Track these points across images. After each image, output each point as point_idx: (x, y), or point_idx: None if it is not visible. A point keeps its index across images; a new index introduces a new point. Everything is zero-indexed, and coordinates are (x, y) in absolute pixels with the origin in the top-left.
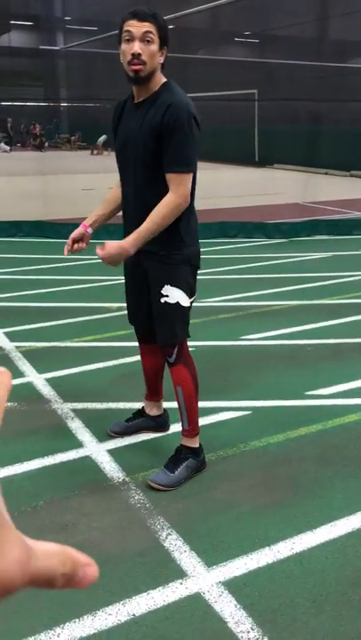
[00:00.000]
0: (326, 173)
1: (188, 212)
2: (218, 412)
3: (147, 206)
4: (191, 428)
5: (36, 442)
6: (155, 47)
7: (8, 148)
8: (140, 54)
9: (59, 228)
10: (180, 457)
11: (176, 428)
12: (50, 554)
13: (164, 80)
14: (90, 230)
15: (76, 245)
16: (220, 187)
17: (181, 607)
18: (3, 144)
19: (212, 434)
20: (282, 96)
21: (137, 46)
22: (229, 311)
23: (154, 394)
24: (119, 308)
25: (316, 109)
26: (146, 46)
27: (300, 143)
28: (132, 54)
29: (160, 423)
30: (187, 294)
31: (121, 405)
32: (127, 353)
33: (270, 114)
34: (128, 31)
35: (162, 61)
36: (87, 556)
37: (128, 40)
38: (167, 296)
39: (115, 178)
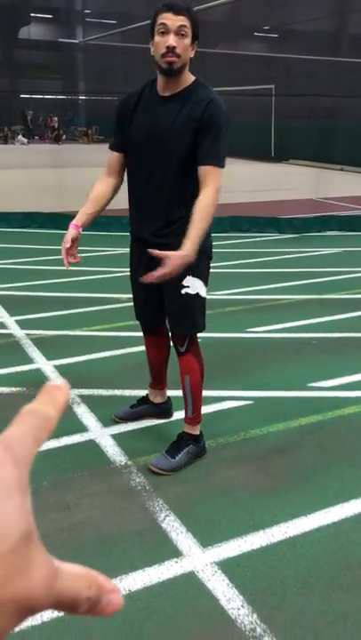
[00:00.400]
0: (342, 169)
1: None
2: (221, 400)
3: (172, 204)
4: (195, 416)
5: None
6: (188, 41)
7: (26, 140)
8: (175, 47)
9: (70, 220)
10: (181, 443)
11: (179, 415)
12: (76, 576)
13: (194, 77)
14: (81, 230)
15: (72, 259)
16: (233, 181)
17: (175, 584)
18: (21, 136)
19: (213, 421)
20: (299, 91)
21: (172, 39)
22: (237, 304)
23: (158, 383)
24: (129, 299)
25: (332, 105)
26: (180, 40)
27: (316, 139)
28: (167, 47)
29: (163, 410)
30: (205, 285)
31: (127, 393)
32: (135, 342)
33: (287, 109)
34: (163, 24)
35: (192, 56)
36: (112, 583)
37: (163, 33)
38: (188, 287)
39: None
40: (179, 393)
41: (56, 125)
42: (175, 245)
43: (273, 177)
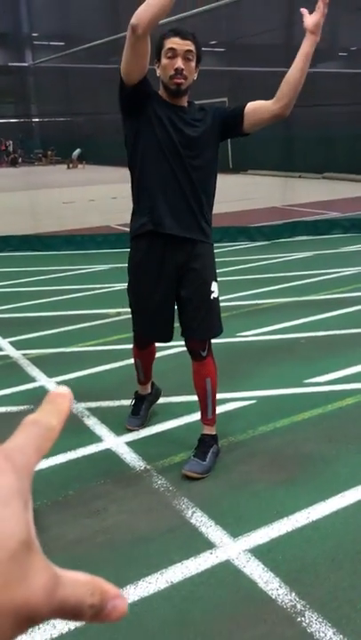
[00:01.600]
0: (300, 177)
1: None
2: (225, 402)
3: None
4: (214, 417)
5: (57, 439)
6: (193, 64)
7: None
8: (182, 69)
9: (47, 241)
10: (206, 445)
11: (185, 419)
12: (78, 583)
13: None
14: None
15: None
16: None
17: (214, 573)
18: None
19: (222, 422)
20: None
21: (180, 62)
22: (223, 311)
23: (148, 380)
24: (118, 314)
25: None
26: (187, 63)
27: (272, 148)
28: (176, 69)
29: (157, 393)
30: None
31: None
32: (130, 354)
33: None
34: (171, 48)
35: (195, 78)
36: (117, 588)
37: (171, 57)
38: (214, 291)
39: (93, 190)
40: (180, 399)
41: (11, 149)
42: (208, 242)
43: (236, 188)
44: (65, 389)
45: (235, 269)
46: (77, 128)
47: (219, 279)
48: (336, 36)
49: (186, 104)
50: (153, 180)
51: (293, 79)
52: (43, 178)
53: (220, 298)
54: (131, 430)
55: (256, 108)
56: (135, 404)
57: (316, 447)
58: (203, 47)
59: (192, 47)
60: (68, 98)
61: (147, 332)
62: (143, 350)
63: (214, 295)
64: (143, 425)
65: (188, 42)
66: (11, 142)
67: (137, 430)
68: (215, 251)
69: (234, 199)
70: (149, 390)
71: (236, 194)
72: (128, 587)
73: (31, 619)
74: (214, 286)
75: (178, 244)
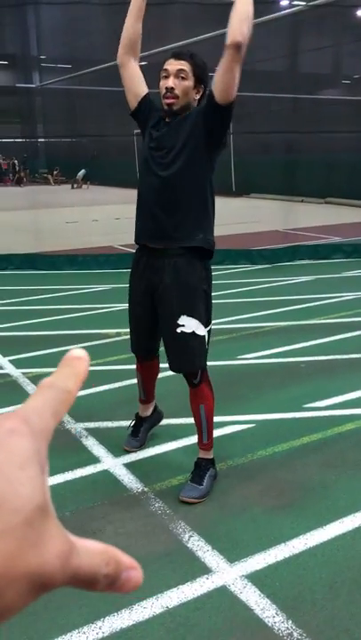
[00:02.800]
0: (302, 201)
1: None
2: (224, 425)
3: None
4: (210, 441)
5: (55, 459)
6: (188, 83)
7: None
8: (173, 88)
9: (49, 260)
10: (203, 469)
11: (181, 442)
12: (93, 552)
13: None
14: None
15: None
16: None
17: (210, 598)
18: None
19: (220, 446)
20: (255, 128)
21: (171, 81)
22: (224, 333)
23: (151, 397)
24: (118, 334)
25: (289, 140)
26: (180, 82)
27: (275, 173)
28: (166, 88)
29: (158, 416)
30: (205, 323)
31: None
32: (129, 375)
33: (245, 145)
34: (165, 69)
35: (197, 97)
36: (132, 559)
37: (165, 77)
38: (183, 325)
39: (96, 210)
40: (179, 421)
41: (17, 169)
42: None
43: (239, 211)
44: (82, 352)
45: (236, 292)
46: (82, 149)
47: (218, 302)
48: (340, 64)
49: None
50: (140, 190)
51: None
52: (47, 197)
53: (221, 320)
54: (128, 451)
55: (216, 72)
56: (135, 424)
57: (315, 472)
58: (209, 73)
59: (186, 66)
60: (73, 119)
61: (132, 344)
62: (141, 363)
63: (183, 330)
64: (141, 447)
65: (183, 61)
66: (16, 162)
67: (134, 452)
68: (216, 273)
69: (236, 222)
70: (150, 412)
71: (239, 217)
72: (123, 611)
73: (45, 585)
74: (184, 320)
75: (153, 255)
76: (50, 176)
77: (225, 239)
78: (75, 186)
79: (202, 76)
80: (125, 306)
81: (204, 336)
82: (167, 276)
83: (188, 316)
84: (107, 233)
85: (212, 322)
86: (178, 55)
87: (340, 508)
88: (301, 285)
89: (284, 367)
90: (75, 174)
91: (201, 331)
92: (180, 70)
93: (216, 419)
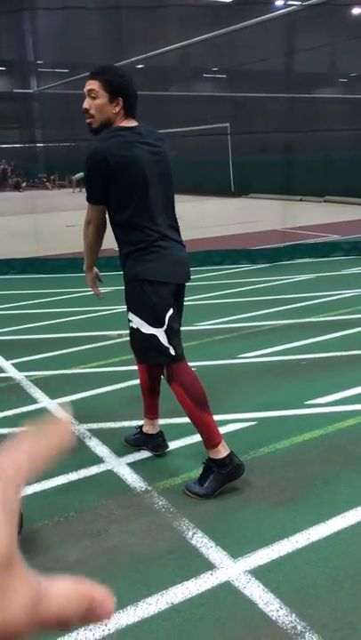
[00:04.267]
0: (301, 200)
1: None
2: (225, 424)
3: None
4: (206, 441)
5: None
6: (101, 101)
7: None
8: (87, 109)
9: (50, 264)
10: (206, 469)
11: (186, 440)
12: (65, 595)
13: (115, 127)
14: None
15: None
16: (204, 216)
17: (215, 594)
18: None
19: None
20: (253, 128)
21: (85, 102)
22: (224, 332)
23: (147, 411)
24: (119, 336)
25: (286, 139)
26: (92, 101)
27: (273, 172)
28: (83, 109)
29: (155, 444)
30: (148, 321)
31: (134, 423)
32: (132, 376)
33: (243, 145)
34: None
35: (116, 111)
36: (102, 589)
37: (85, 96)
38: (131, 320)
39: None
40: (181, 420)
41: (16, 174)
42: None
43: (238, 211)
44: (68, 418)
45: (236, 291)
46: (81, 153)
47: (219, 301)
48: (336, 62)
49: None
50: None
51: None
52: (46, 202)
53: (222, 320)
54: (131, 451)
55: None
56: (137, 427)
57: (317, 468)
58: (204, 74)
59: (95, 85)
60: (71, 123)
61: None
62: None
63: (131, 325)
64: (132, 446)
65: (93, 81)
66: (10, 165)
67: (129, 447)
68: (216, 273)
69: (235, 222)
70: (149, 431)
71: (238, 217)
72: (129, 608)
73: (11, 637)
74: (130, 315)
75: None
76: (48, 182)
77: (225, 239)
78: (76, 190)
79: (116, 89)
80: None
81: (149, 335)
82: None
83: (130, 311)
84: (106, 236)
85: (213, 321)
86: (90, 75)
87: (342, 503)
88: (301, 284)
89: (285, 365)
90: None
91: (145, 329)
92: (91, 90)
93: (217, 417)
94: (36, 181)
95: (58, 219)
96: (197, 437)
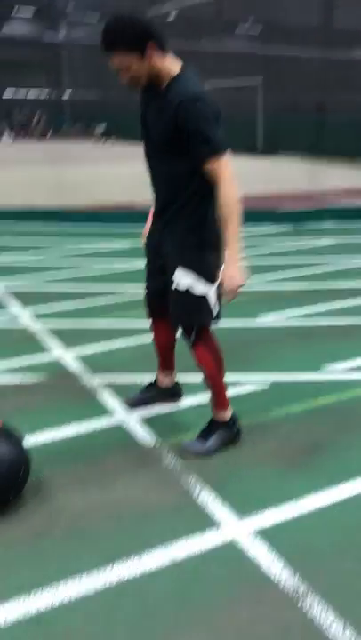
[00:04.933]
0: (331, 162)
1: None
2: (240, 385)
3: (167, 196)
4: (218, 403)
5: (70, 411)
6: (135, 65)
7: (11, 139)
8: (129, 81)
9: (71, 216)
10: (210, 428)
11: (198, 399)
12: None
13: (175, 73)
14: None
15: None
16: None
17: (218, 552)
18: (6, 135)
19: (234, 405)
20: (286, 85)
21: (122, 78)
22: (243, 295)
23: (165, 366)
24: (136, 292)
25: (319, 99)
26: (128, 72)
27: (304, 132)
28: (126, 83)
29: (172, 392)
30: (205, 281)
31: (147, 378)
32: (149, 331)
33: (274, 103)
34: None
35: (153, 58)
36: None
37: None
38: (177, 282)
39: (115, 166)
40: (195, 378)
41: (42, 122)
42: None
43: (264, 171)
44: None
45: (257, 255)
46: (107, 104)
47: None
48: None
49: (163, 85)
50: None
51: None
52: (70, 153)
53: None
54: (127, 404)
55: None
56: (146, 386)
57: (329, 433)
58: (236, 29)
59: (118, 59)
60: (99, 73)
61: (145, 301)
62: (152, 319)
63: (176, 287)
64: (138, 406)
65: (112, 57)
66: (43, 116)
67: (128, 405)
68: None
69: (260, 182)
70: (166, 384)
71: (263, 177)
72: (132, 558)
73: None
74: (177, 276)
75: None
76: (73, 131)
77: (248, 199)
78: (104, 141)
79: (139, 41)
80: (143, 262)
81: (200, 297)
82: (165, 220)
83: (184, 268)
84: (128, 188)
85: None
86: (105, 51)
87: (353, 470)
88: (325, 249)
89: (305, 329)
90: (97, 129)
91: (198, 290)
92: (118, 67)
93: (231, 378)
94: (61, 131)
95: (82, 170)
96: (206, 396)
